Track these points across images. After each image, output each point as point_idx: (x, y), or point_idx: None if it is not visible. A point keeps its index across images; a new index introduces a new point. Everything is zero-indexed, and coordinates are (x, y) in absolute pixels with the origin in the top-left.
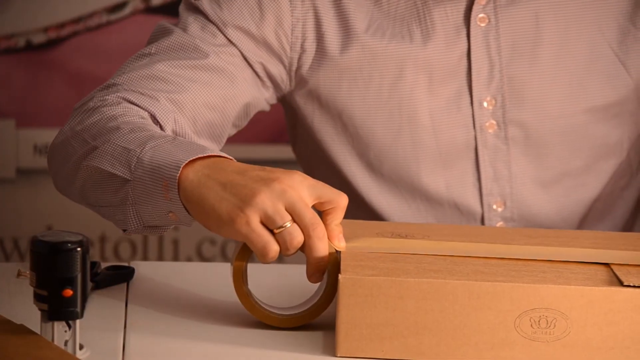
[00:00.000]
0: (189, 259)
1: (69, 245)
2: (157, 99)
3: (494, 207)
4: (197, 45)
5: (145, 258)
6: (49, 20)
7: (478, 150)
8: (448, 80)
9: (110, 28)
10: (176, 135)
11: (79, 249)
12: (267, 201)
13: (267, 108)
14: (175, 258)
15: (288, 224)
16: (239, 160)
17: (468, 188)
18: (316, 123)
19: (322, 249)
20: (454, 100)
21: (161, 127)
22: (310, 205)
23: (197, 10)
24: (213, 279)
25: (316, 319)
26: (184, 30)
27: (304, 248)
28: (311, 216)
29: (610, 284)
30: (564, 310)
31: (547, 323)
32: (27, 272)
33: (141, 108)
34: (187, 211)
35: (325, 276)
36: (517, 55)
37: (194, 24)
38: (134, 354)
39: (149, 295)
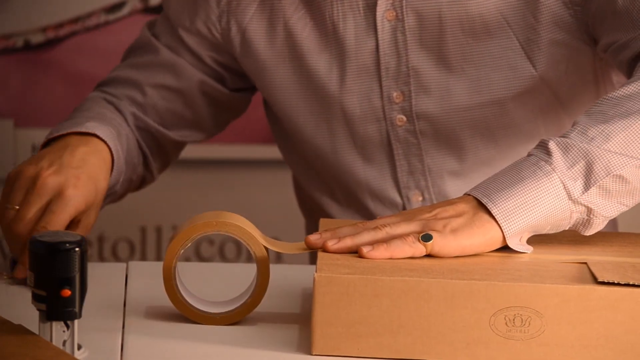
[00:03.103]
0: (187, 259)
1: (67, 245)
2: (121, 99)
3: (413, 199)
4: (154, 44)
5: (143, 258)
6: (47, 20)
7: (392, 144)
8: (359, 75)
9: (108, 28)
10: (140, 129)
11: (77, 249)
12: None
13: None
14: None
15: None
16: (237, 159)
17: (386, 181)
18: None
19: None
20: (365, 94)
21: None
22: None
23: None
24: (211, 279)
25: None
26: (151, 29)
27: None
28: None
29: (585, 282)
30: (538, 309)
31: (522, 321)
32: (4, 273)
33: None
34: None
35: (255, 274)
36: (424, 51)
37: (159, 22)
38: (132, 354)
39: (147, 295)
